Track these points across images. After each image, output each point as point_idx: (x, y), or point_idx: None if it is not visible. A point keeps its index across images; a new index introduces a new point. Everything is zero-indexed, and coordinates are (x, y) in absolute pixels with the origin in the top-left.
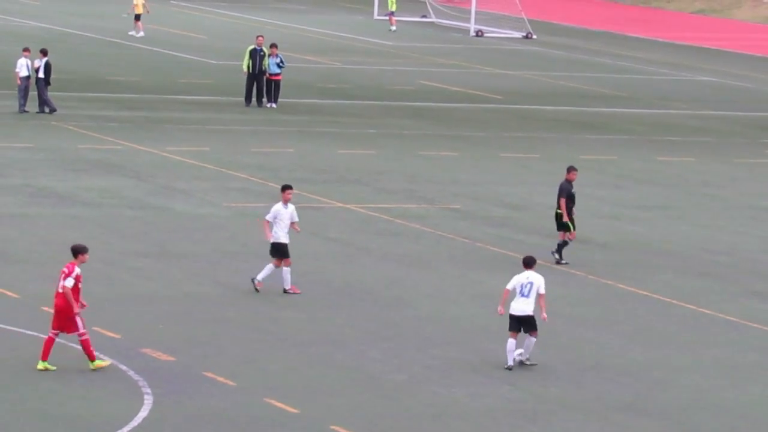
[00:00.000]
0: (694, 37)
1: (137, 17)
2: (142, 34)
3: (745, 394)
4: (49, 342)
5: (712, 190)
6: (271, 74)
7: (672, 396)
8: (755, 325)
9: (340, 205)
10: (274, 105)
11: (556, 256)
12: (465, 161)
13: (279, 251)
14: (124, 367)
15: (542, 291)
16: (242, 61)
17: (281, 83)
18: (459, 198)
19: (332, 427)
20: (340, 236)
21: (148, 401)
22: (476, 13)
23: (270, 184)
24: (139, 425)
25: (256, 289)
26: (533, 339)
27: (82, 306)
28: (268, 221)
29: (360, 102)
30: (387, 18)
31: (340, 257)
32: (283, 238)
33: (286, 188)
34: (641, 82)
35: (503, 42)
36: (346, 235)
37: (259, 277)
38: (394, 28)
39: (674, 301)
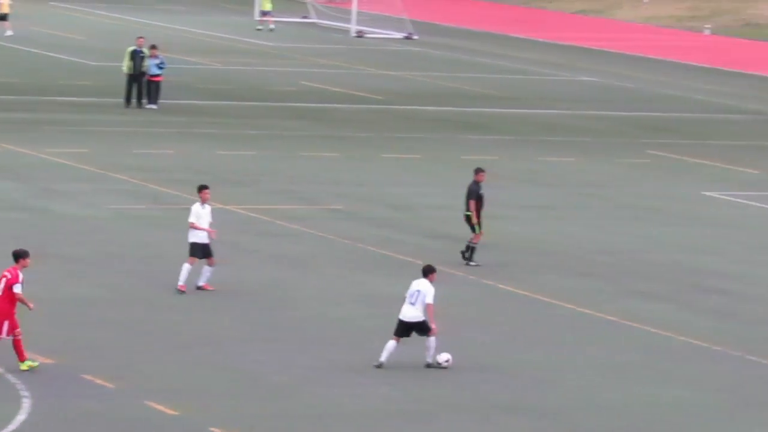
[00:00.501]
0: (575, 37)
1: (3, 17)
2: (10, 33)
3: (624, 393)
4: (17, 343)
5: (593, 190)
6: (151, 75)
7: (552, 396)
8: (635, 325)
9: (221, 206)
10: (154, 106)
11: (467, 256)
12: (346, 162)
13: (201, 251)
14: (1, 370)
15: (427, 300)
16: (122, 62)
17: (161, 84)
18: (340, 199)
19: (211, 428)
20: (221, 238)
21: (26, 404)
22: (357, 13)
23: (150, 185)
24: (18, 429)
25: (181, 291)
26: (431, 339)
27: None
28: (193, 223)
29: (241, 103)
30: (264, 18)
31: (222, 259)
32: (205, 237)
33: (202, 188)
34: (523, 83)
35: (384, 42)
36: (227, 236)
37: (180, 281)
38: (272, 26)
39: (554, 301)
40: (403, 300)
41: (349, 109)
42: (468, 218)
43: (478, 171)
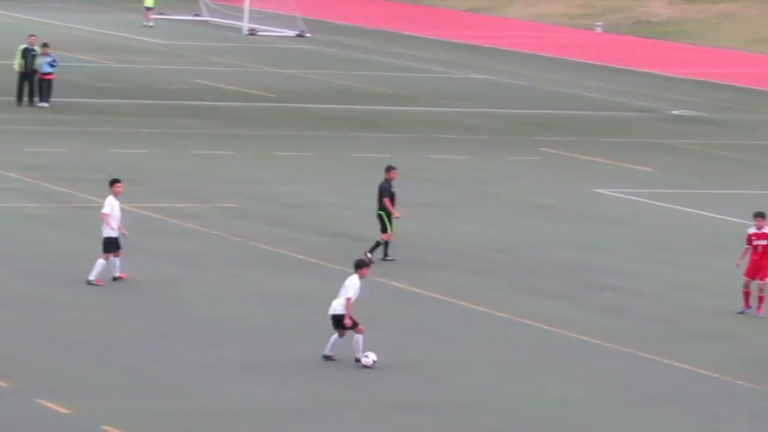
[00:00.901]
0: (467, 35)
1: None
2: None
3: (517, 390)
4: None
5: (486, 188)
6: (42, 73)
7: (446, 393)
8: (529, 322)
9: None
10: (46, 104)
11: (385, 252)
12: (240, 160)
13: (113, 245)
14: None
15: (348, 294)
16: (13, 60)
17: (53, 83)
18: (234, 197)
19: (104, 427)
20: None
21: None
22: (249, 11)
23: (43, 183)
24: None
25: (97, 284)
26: (358, 336)
27: None
28: (107, 214)
29: (134, 101)
30: (158, 16)
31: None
32: (116, 232)
33: (115, 182)
34: (415, 80)
35: (277, 40)
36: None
37: (91, 277)
38: (152, 23)
39: (449, 299)
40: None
41: (242, 107)
42: (380, 216)
43: (390, 169)
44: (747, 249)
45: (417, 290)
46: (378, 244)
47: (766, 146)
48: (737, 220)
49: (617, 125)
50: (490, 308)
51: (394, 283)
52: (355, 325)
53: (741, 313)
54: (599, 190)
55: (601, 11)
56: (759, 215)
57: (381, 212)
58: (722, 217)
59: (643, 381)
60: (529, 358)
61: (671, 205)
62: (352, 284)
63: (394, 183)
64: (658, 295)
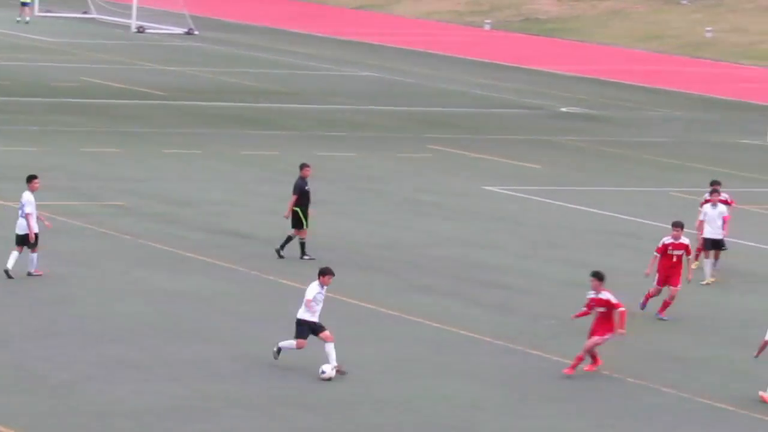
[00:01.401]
0: (355, 33)
1: None
2: None
3: (408, 387)
4: None
5: (375, 185)
6: None
7: (336, 390)
8: (418, 319)
9: (2, 202)
10: None
11: (303, 251)
12: (128, 158)
13: (26, 240)
14: None
15: (307, 297)
16: None
17: None
18: (123, 195)
19: None
20: (0, 234)
21: None
22: (137, 9)
23: None
24: None
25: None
26: (329, 344)
27: None
28: (30, 213)
29: (21, 99)
30: (46, 13)
31: (1, 255)
32: (34, 228)
33: (32, 178)
34: (304, 78)
35: (165, 38)
36: (6, 232)
37: (9, 265)
38: (27, 19)
39: (338, 296)
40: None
41: (130, 104)
42: (295, 213)
43: (303, 167)
44: (656, 257)
45: (304, 287)
46: (289, 239)
47: (653, 143)
48: (625, 217)
49: (506, 122)
50: (379, 306)
51: (284, 281)
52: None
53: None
54: (488, 188)
55: (489, 8)
56: (677, 225)
57: (296, 209)
58: (610, 214)
59: (534, 378)
60: (418, 356)
61: (560, 202)
62: (311, 289)
63: (308, 180)
64: (548, 293)
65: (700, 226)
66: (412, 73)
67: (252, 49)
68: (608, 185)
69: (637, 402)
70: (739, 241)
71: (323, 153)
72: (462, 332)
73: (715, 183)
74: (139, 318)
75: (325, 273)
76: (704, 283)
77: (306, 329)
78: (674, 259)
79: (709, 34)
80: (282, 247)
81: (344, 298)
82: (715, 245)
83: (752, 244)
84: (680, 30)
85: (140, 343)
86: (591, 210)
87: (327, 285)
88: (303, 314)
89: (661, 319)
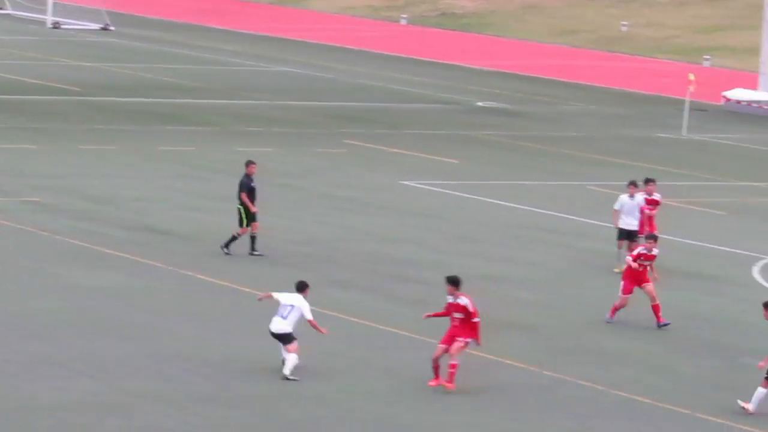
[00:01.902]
0: (271, 28)
1: None
2: None
3: (325, 382)
4: None
5: (292, 180)
6: None
7: (254, 386)
8: (334, 314)
9: None
10: None
11: (226, 249)
12: (44, 154)
13: None
14: None
15: (308, 317)
16: None
17: None
18: (39, 191)
19: None
20: None
21: None
22: (53, 4)
23: None
24: None
25: None
26: (292, 354)
27: None
28: None
29: None
30: None
31: None
32: None
33: None
34: (221, 74)
35: (81, 34)
36: None
37: None
38: None
39: (255, 291)
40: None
41: (46, 100)
42: (239, 210)
43: (249, 164)
44: (628, 266)
45: (222, 283)
46: (234, 238)
47: (570, 137)
48: (543, 211)
49: (423, 117)
50: None
51: (201, 276)
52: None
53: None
54: (406, 182)
55: (404, 3)
56: (651, 238)
57: (239, 207)
58: (528, 208)
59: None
60: (335, 351)
61: (478, 197)
62: (305, 305)
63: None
64: (465, 287)
65: (616, 216)
66: (328, 68)
67: (169, 45)
68: (526, 180)
69: (554, 395)
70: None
71: (241, 149)
72: (379, 327)
73: (649, 181)
74: (56, 314)
75: (306, 287)
76: (616, 271)
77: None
78: (641, 269)
79: (624, 29)
80: (227, 245)
81: (261, 293)
82: (629, 236)
83: (670, 237)
84: (596, 24)
85: (58, 340)
86: (509, 204)
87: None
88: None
89: (665, 325)
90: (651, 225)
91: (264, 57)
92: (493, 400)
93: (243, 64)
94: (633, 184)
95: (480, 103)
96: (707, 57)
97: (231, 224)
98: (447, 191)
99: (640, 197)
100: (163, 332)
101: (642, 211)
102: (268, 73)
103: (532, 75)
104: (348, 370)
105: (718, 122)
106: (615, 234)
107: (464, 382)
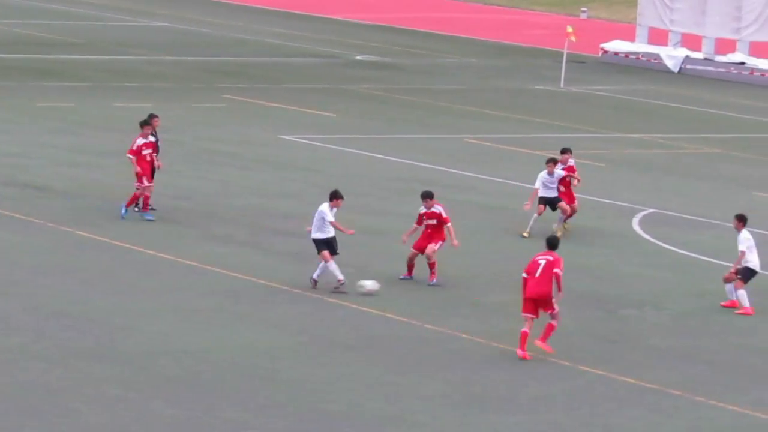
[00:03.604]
0: None
1: None
2: None
3: (205, 337)
4: None
5: (170, 135)
6: None
7: (134, 342)
8: (216, 269)
9: None
10: None
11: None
12: None
13: None
14: None
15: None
16: None
17: None
18: None
19: None
20: None
21: None
22: None
23: None
24: None
25: None
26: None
27: None
28: None
29: None
30: None
31: None
32: None
33: None
34: (96, 29)
35: None
36: None
37: None
38: None
39: (134, 247)
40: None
41: None
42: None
43: (152, 117)
44: (415, 228)
45: (102, 239)
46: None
47: (447, 90)
48: (422, 164)
49: (301, 71)
50: (177, 256)
51: (81, 233)
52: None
53: (403, 279)
54: (284, 137)
55: None
56: (427, 195)
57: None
58: (406, 161)
59: (332, 326)
60: (216, 305)
61: (356, 150)
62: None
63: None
64: (346, 240)
65: (534, 195)
66: (205, 22)
67: (44, 1)
68: (403, 133)
69: (435, 348)
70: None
71: (119, 104)
72: (259, 281)
73: (565, 151)
74: None
75: (336, 196)
76: (525, 235)
77: (322, 245)
78: (429, 230)
79: None
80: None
81: (141, 249)
82: (550, 203)
83: None
84: None
85: None
86: (387, 158)
87: (338, 208)
88: (315, 234)
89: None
90: (570, 194)
91: (141, 12)
92: (375, 354)
93: (119, 19)
94: (553, 161)
95: (358, 57)
96: (584, 9)
97: (106, 179)
98: (325, 145)
99: (559, 171)
100: (42, 288)
101: (564, 180)
102: (144, 28)
103: (409, 28)
104: (228, 325)
105: (595, 74)
106: (498, 188)
107: (345, 336)
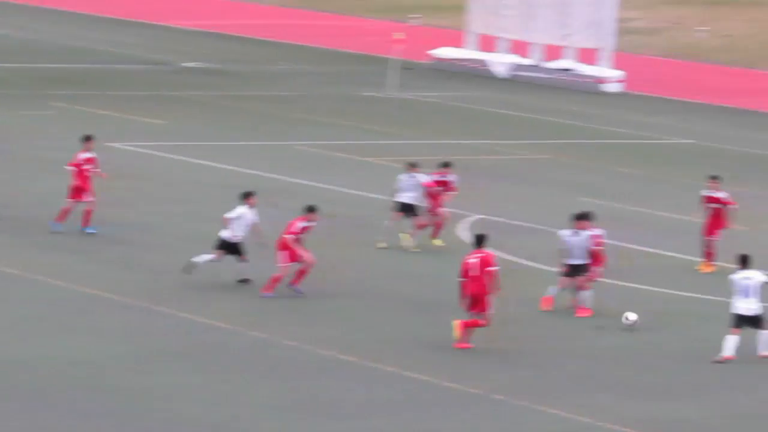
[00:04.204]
0: None
1: None
2: None
3: (29, 347)
4: None
5: None
6: None
7: None
8: (38, 277)
9: None
10: None
11: None
12: None
13: None
14: None
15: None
16: None
17: None
18: None
19: None
20: None
21: None
22: None
23: None
24: None
25: None
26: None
27: None
28: None
29: None
30: None
31: None
32: None
33: None
34: None
35: None
36: None
37: None
38: None
39: None
40: None
41: None
42: None
43: None
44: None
45: None
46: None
47: (278, 97)
48: (251, 171)
49: (129, 78)
50: (0, 265)
51: None
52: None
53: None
54: (112, 144)
55: None
56: (310, 209)
57: None
58: (236, 168)
59: (158, 334)
60: (40, 314)
61: (184, 158)
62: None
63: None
64: (172, 248)
65: (394, 195)
66: (32, 29)
67: None
68: (234, 140)
69: (262, 355)
70: (359, 193)
71: None
72: (84, 290)
73: (447, 165)
74: None
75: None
76: (380, 245)
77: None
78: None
79: None
80: None
81: None
82: (406, 209)
83: (374, 196)
84: None
85: None
86: (216, 165)
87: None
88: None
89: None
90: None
91: None
92: (202, 362)
93: None
94: (413, 165)
95: (187, 64)
96: (414, 16)
97: None
98: (153, 152)
99: (421, 176)
100: None
101: (429, 189)
102: None
103: (240, 35)
104: (53, 334)
105: (425, 80)
106: (327, 195)
107: (170, 344)
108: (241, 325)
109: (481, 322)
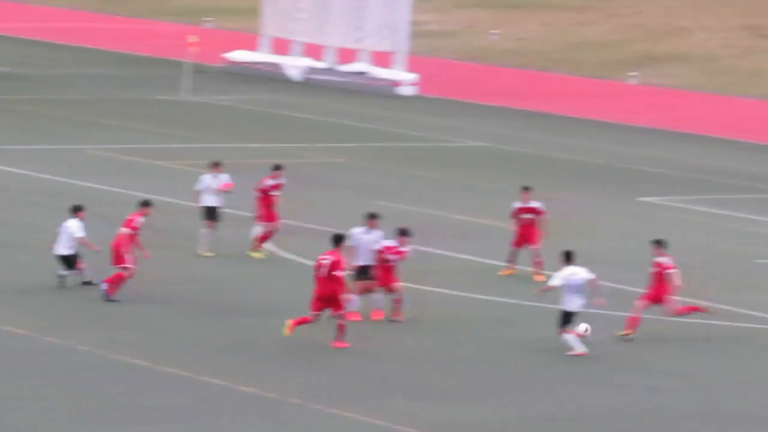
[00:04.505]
0: None
1: None
2: None
3: None
4: None
5: None
6: None
7: None
8: None
9: None
10: None
11: None
12: None
13: None
14: None
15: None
16: None
17: None
18: None
19: None
20: None
21: None
22: None
23: None
24: None
25: None
26: None
27: None
28: None
29: None
30: None
31: None
32: None
33: None
34: None
35: None
36: None
37: None
38: None
39: None
40: None
41: None
42: None
43: None
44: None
45: None
46: None
47: (69, 100)
48: (40, 175)
49: None
50: None
51: None
52: None
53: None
54: None
55: None
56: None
57: None
58: (24, 172)
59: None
60: None
61: None
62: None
63: None
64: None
65: (197, 197)
66: None
67: None
68: (26, 144)
69: (54, 360)
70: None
71: None
72: None
73: (278, 167)
74: None
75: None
76: (206, 254)
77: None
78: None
79: None
80: None
81: None
82: (210, 214)
83: (180, 202)
84: None
85: None
86: (4, 168)
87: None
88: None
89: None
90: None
91: None
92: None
93: None
94: (216, 164)
95: None
96: (208, 19)
97: None
98: None
99: (224, 176)
100: None
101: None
102: None
103: (31, 38)
104: None
105: (219, 84)
106: (119, 199)
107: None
108: (34, 330)
109: (341, 324)
